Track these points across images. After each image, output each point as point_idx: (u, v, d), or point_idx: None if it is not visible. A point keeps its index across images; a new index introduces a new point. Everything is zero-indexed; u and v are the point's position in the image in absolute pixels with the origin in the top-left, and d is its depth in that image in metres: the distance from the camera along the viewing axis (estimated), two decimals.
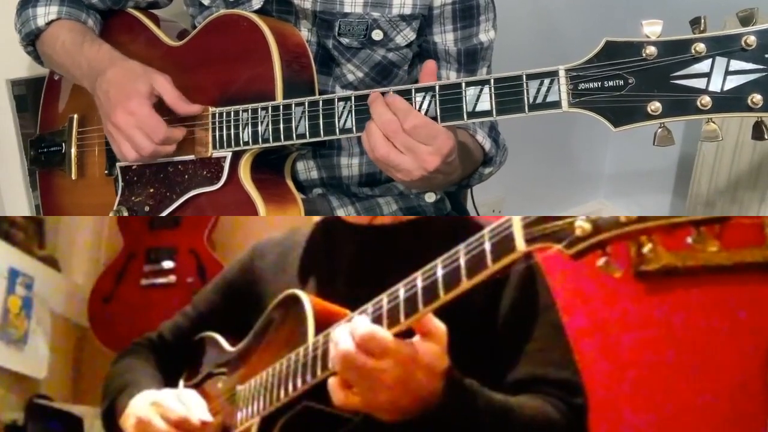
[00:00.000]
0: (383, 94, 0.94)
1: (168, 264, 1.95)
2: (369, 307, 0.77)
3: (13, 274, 1.66)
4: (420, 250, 0.89)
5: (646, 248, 0.62)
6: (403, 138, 0.92)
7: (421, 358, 0.72)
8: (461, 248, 0.71)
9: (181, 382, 1.06)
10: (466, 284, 0.69)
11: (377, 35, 1.15)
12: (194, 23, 1.26)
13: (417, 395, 0.73)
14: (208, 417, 0.93)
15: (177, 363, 1.08)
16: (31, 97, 1.53)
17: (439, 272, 0.71)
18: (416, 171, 0.93)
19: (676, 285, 1.53)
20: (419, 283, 0.73)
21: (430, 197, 1.30)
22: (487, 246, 0.68)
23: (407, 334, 0.74)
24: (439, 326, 0.73)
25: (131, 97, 1.08)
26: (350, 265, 0.93)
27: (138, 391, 0.99)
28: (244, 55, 1.11)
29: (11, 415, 1.63)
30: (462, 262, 0.70)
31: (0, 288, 1.61)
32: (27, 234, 1.81)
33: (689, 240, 0.59)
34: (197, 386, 1.03)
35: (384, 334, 0.72)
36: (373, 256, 0.93)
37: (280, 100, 1.07)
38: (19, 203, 1.62)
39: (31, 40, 1.27)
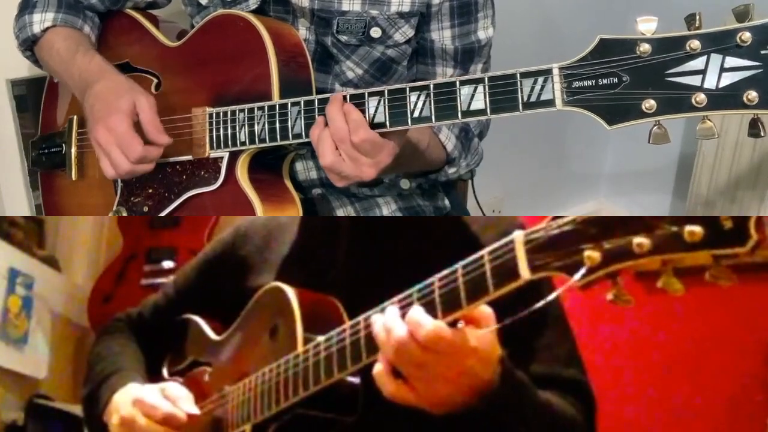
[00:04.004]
0: (344, 98, 0.96)
1: (168, 264, 1.95)
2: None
3: (13, 274, 1.66)
4: (416, 248, 0.90)
5: (660, 282, 0.58)
6: (348, 147, 0.94)
7: (476, 346, 0.70)
8: (459, 269, 0.68)
9: (165, 368, 1.05)
10: (465, 309, 0.67)
11: (376, 32, 1.15)
12: (192, 23, 1.26)
13: (474, 387, 0.71)
14: (194, 410, 0.91)
15: (158, 342, 1.07)
16: (31, 97, 1.53)
17: (437, 292, 0.69)
18: (353, 177, 0.96)
19: None
20: (415, 303, 0.70)
21: (405, 184, 1.30)
22: (488, 270, 0.66)
23: None
24: (486, 310, 0.70)
25: (112, 113, 1.08)
26: (345, 257, 0.92)
27: (121, 383, 0.98)
28: (240, 55, 1.11)
29: (11, 415, 1.63)
30: (461, 283, 0.67)
31: (0, 288, 1.61)
32: (27, 234, 1.81)
33: (707, 276, 0.56)
34: (182, 374, 1.03)
35: (446, 330, 0.68)
36: (368, 250, 0.92)
37: (276, 100, 1.06)
38: (19, 203, 1.62)
39: (29, 45, 1.27)
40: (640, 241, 0.57)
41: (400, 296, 0.72)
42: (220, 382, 0.94)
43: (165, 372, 1.05)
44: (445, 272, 0.70)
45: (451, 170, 1.24)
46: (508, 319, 0.67)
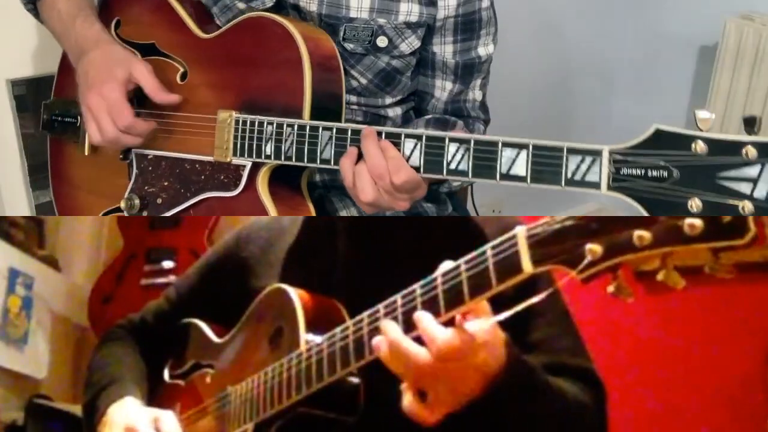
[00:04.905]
0: (378, 134, 0.95)
1: (168, 264, 1.95)
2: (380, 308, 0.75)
3: (13, 274, 1.66)
4: (417, 248, 0.90)
5: (661, 275, 0.59)
6: (386, 184, 0.94)
7: (486, 340, 0.69)
8: (462, 264, 0.69)
9: (167, 371, 1.05)
10: (468, 304, 0.68)
11: (382, 42, 1.15)
12: (211, 12, 1.22)
13: (485, 376, 0.71)
14: None
15: (160, 348, 1.07)
16: (31, 97, 1.53)
17: (440, 288, 0.70)
18: (386, 209, 0.97)
19: None
20: (418, 299, 0.71)
21: None
22: (491, 264, 0.66)
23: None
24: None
25: (106, 81, 1.09)
26: (346, 257, 0.92)
27: (118, 394, 0.98)
28: (275, 63, 1.08)
29: (11, 415, 1.63)
30: (464, 278, 0.68)
31: (0, 288, 1.61)
32: (27, 234, 1.81)
33: (706, 269, 0.57)
34: (183, 377, 1.03)
35: (455, 338, 0.68)
36: (369, 250, 0.92)
37: (307, 117, 1.04)
38: (19, 203, 1.61)
39: None
40: (641, 233, 0.58)
41: (404, 293, 0.73)
42: (222, 384, 0.94)
43: (166, 375, 1.05)
44: (447, 268, 0.70)
45: (455, 183, 1.26)
46: (509, 311, 0.67)
